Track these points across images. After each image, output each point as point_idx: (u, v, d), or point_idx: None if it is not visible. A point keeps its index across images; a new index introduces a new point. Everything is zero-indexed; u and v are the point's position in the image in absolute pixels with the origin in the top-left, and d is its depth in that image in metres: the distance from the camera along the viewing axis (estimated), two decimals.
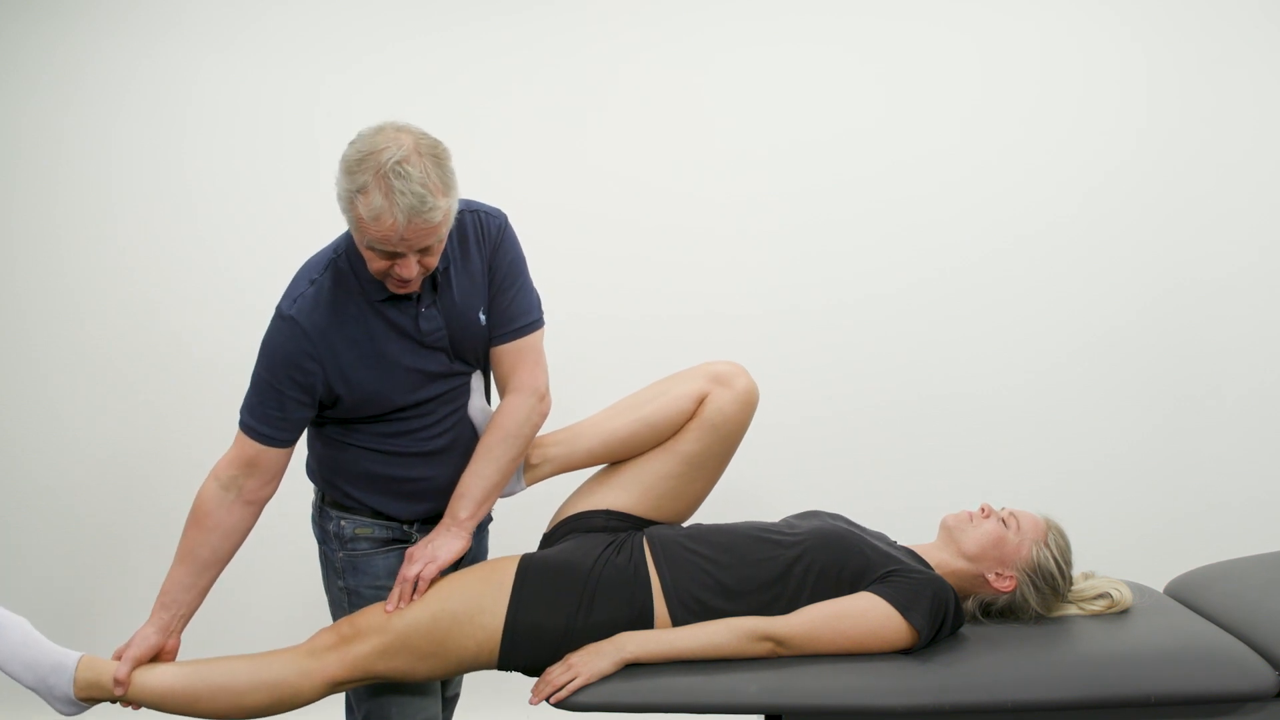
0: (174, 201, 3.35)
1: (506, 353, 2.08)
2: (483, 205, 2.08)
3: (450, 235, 1.99)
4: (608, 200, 3.32)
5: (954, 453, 3.29)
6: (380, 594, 2.07)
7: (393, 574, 2.08)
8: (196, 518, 2.01)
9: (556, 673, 1.93)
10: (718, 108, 3.33)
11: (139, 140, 3.35)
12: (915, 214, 3.30)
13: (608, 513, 2.13)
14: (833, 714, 1.89)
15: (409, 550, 2.04)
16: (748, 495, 2.92)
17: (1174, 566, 2.56)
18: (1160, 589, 2.40)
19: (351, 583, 2.10)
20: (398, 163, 1.78)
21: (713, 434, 2.12)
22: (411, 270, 1.87)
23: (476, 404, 2.11)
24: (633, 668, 1.93)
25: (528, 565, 2.03)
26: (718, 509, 2.33)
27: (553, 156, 3.32)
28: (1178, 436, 3.29)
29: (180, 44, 3.34)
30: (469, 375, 2.09)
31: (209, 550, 2.02)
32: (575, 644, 1.97)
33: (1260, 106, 3.27)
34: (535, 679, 2.00)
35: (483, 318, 2.05)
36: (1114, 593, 2.14)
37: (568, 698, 1.90)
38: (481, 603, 1.98)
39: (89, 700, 2.01)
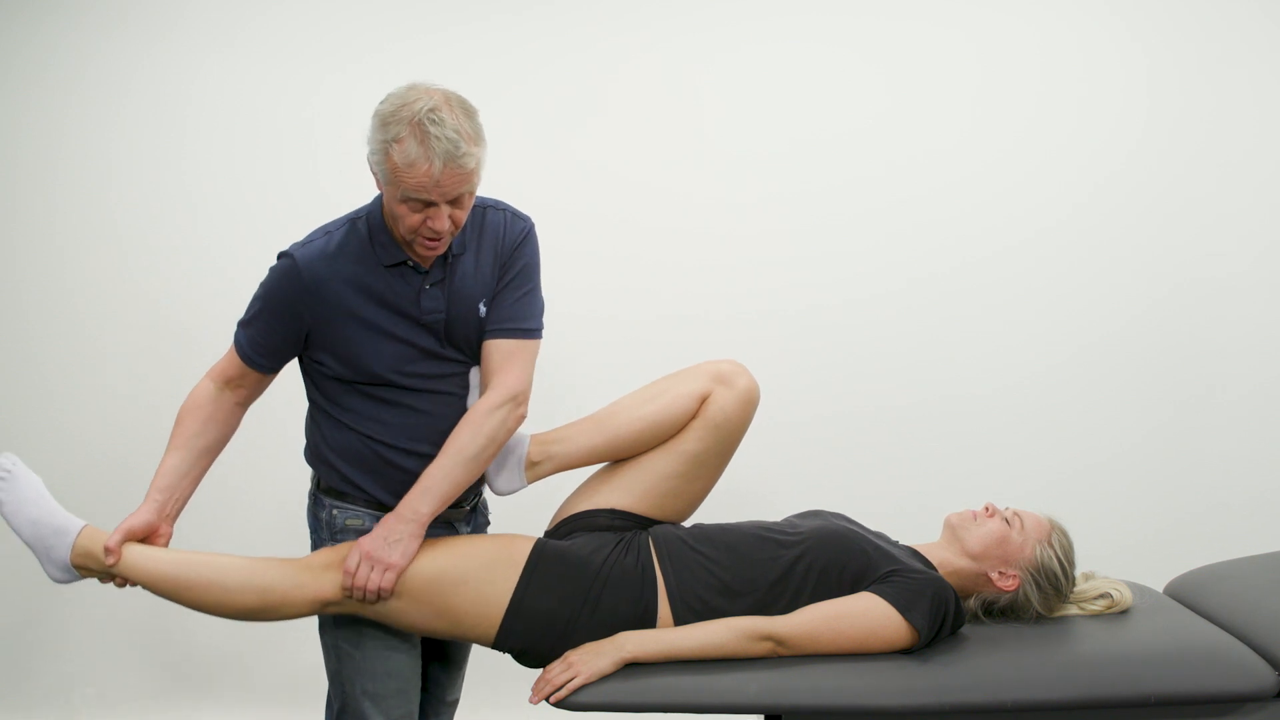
0: (174, 201, 3.35)
1: (499, 349, 2.07)
2: (514, 208, 2.13)
3: (474, 225, 2.05)
4: (607, 200, 3.32)
5: (955, 453, 3.29)
6: None
7: None
8: (190, 408, 2.09)
9: (556, 671, 1.93)
10: (718, 108, 3.33)
11: (139, 140, 3.35)
12: (916, 214, 3.30)
13: (611, 511, 2.13)
14: (833, 714, 1.89)
15: (361, 541, 1.98)
16: (750, 495, 2.92)
17: (1174, 566, 2.56)
18: (1160, 589, 2.40)
19: None
20: (431, 110, 1.85)
21: (715, 433, 2.11)
22: (443, 223, 1.91)
23: (474, 400, 2.11)
24: (632, 668, 1.93)
25: (542, 549, 2.03)
26: (720, 509, 2.32)
27: (552, 156, 3.32)
28: (1178, 437, 3.29)
29: (180, 44, 3.34)
30: (461, 364, 2.09)
31: (204, 440, 2.08)
32: (576, 638, 1.97)
33: (1260, 106, 3.27)
34: (530, 676, 2.00)
35: (483, 309, 2.06)
36: (1114, 593, 2.14)
37: (567, 697, 1.90)
38: (492, 573, 1.98)
39: (82, 569, 2.02)
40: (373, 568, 1.95)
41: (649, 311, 3.32)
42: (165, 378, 3.34)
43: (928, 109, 3.31)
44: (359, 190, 2.13)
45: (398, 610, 1.98)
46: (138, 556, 2.01)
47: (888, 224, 3.31)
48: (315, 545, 2.15)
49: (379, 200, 2.03)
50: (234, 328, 2.12)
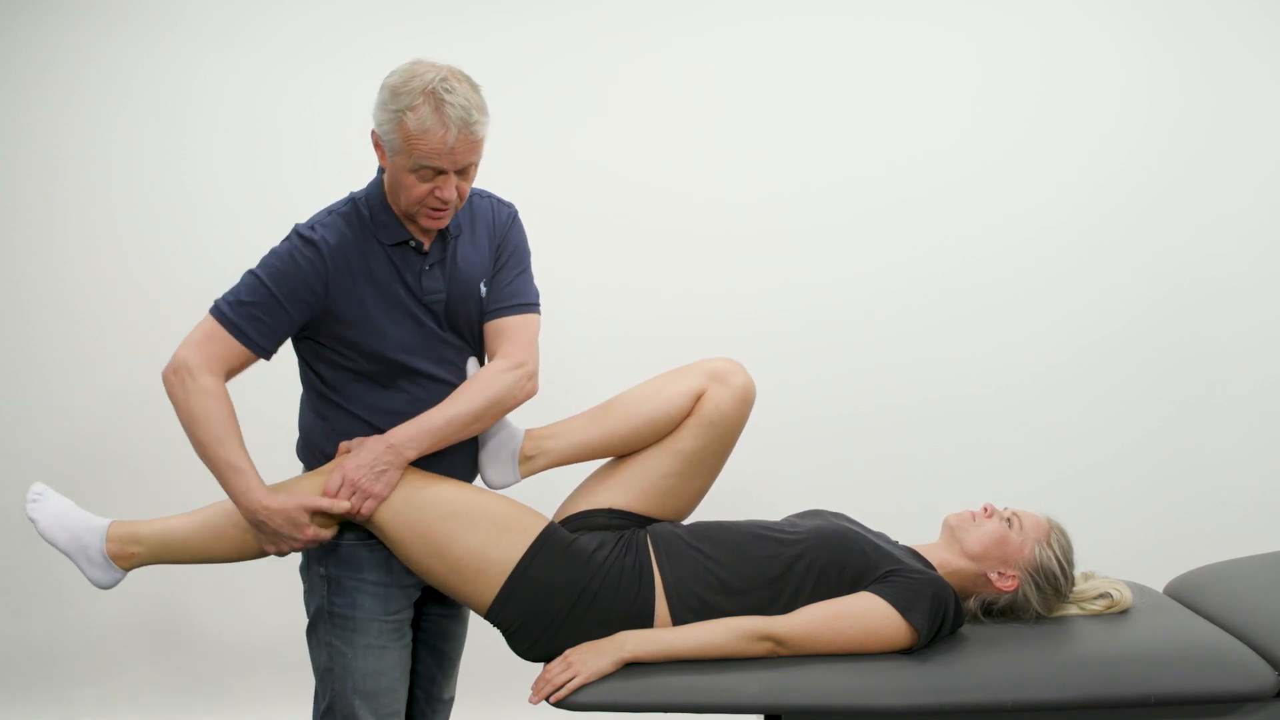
0: (174, 201, 3.35)
1: (504, 324, 2.09)
2: (497, 195, 2.17)
3: (465, 210, 2.08)
4: (607, 200, 3.32)
5: (955, 453, 3.29)
6: (362, 585, 2.06)
7: (377, 568, 2.06)
8: (214, 409, 1.99)
9: (555, 671, 1.92)
10: (718, 108, 3.33)
11: (139, 140, 3.35)
12: (916, 214, 3.30)
13: (610, 511, 2.12)
14: (833, 714, 1.89)
15: (346, 465, 1.98)
16: (748, 495, 2.91)
17: (1174, 566, 2.56)
18: (1160, 589, 2.40)
19: (333, 571, 2.08)
20: (443, 79, 1.91)
21: (710, 431, 2.11)
22: (451, 192, 1.94)
23: None
24: (632, 667, 1.93)
25: (553, 531, 2.03)
26: (719, 509, 2.32)
27: (552, 156, 3.32)
28: (1178, 437, 3.29)
29: (180, 44, 3.34)
30: (461, 349, 2.10)
31: (227, 421, 1.99)
32: (570, 632, 1.97)
33: (1260, 106, 3.27)
34: (528, 676, 2.00)
35: (483, 289, 2.09)
36: (1114, 593, 2.14)
37: (567, 697, 1.89)
38: (501, 533, 1.99)
39: (118, 557, 2.05)
40: (354, 493, 1.97)
41: (649, 311, 3.32)
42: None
43: (928, 109, 3.31)
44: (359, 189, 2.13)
45: (400, 536, 1.99)
46: (159, 532, 2.05)
47: (888, 224, 3.31)
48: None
49: (375, 182, 2.05)
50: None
